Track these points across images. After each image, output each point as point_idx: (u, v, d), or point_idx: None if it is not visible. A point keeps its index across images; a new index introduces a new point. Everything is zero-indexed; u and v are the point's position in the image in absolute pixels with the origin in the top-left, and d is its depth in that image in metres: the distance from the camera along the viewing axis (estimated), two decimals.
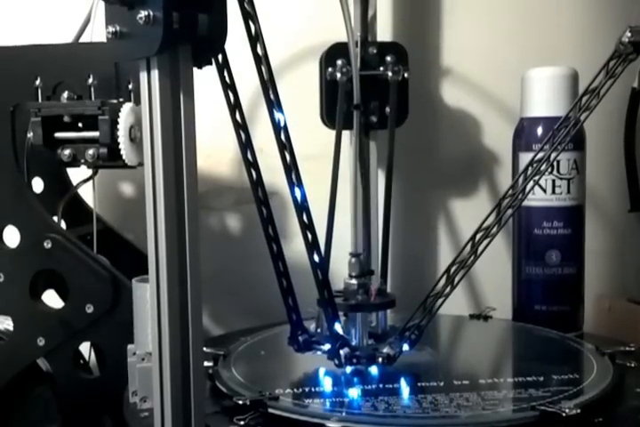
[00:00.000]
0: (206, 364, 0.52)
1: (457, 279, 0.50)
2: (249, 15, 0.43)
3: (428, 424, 0.45)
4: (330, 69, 0.71)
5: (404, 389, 0.50)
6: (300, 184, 0.48)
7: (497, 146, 0.80)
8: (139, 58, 0.38)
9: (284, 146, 0.47)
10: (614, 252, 0.82)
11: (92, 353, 0.64)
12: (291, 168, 0.47)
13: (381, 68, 0.72)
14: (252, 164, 0.46)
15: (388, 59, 0.72)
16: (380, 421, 0.45)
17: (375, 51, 0.72)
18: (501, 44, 0.79)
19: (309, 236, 0.49)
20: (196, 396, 0.40)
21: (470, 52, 0.80)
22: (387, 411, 0.46)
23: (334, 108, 0.69)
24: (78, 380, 0.60)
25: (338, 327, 0.50)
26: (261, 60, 0.45)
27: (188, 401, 0.40)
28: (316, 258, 0.49)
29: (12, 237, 0.61)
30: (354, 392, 0.49)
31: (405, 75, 0.72)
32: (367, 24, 0.73)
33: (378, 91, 0.72)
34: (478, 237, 0.49)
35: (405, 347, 0.51)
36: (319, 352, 0.51)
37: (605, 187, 0.79)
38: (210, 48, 0.41)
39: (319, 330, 0.54)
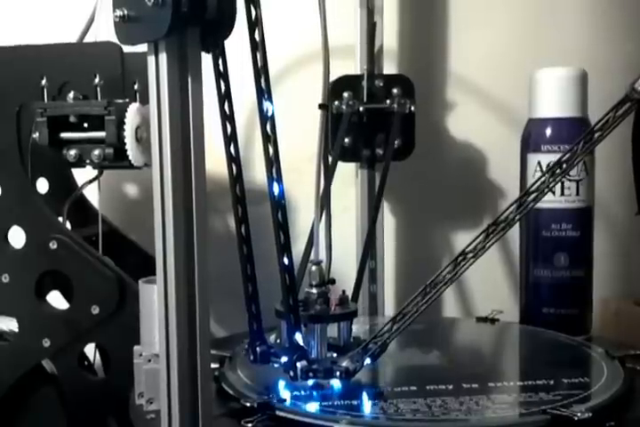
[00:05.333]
0: (212, 366, 0.52)
1: (432, 299, 0.48)
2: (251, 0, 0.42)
3: None
4: (336, 103, 0.71)
5: (413, 392, 0.49)
6: (279, 179, 0.45)
7: (503, 174, 0.80)
8: (146, 41, 0.38)
9: (269, 138, 0.45)
10: (621, 255, 0.82)
11: (97, 354, 0.64)
12: (272, 162, 0.45)
13: (388, 101, 0.71)
14: (233, 158, 0.45)
15: (395, 91, 0.72)
16: (388, 424, 0.45)
17: (382, 84, 0.72)
18: (509, 71, 0.79)
19: (282, 236, 0.46)
20: (203, 398, 0.40)
21: (478, 78, 0.80)
22: (396, 414, 0.45)
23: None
24: (83, 381, 0.60)
25: (298, 337, 0.48)
26: (258, 47, 0.43)
27: (196, 403, 0.40)
28: (286, 261, 0.46)
29: (18, 237, 0.61)
30: (362, 395, 0.49)
31: (412, 108, 0.71)
32: (373, 56, 0.73)
33: (384, 124, 0.71)
34: (460, 259, 0.48)
35: (367, 361, 0.49)
36: (276, 365, 0.49)
37: (613, 189, 0.79)
38: (218, 32, 0.40)
39: (278, 341, 0.51)
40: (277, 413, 0.46)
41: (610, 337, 0.67)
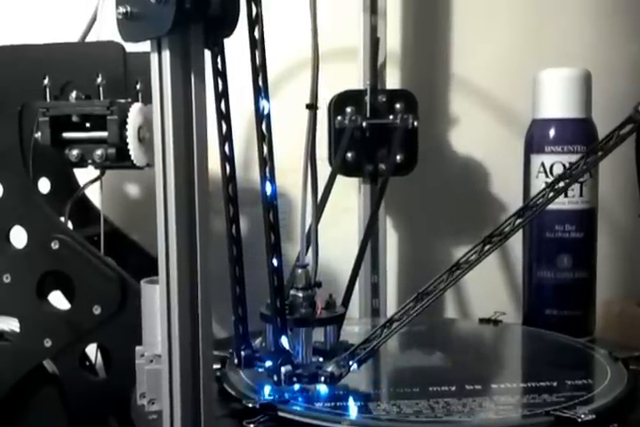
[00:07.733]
0: (214, 366, 0.51)
1: (424, 306, 0.48)
2: None
3: None
4: (339, 118, 0.71)
5: (416, 393, 0.49)
6: (272, 179, 0.45)
7: (507, 185, 0.79)
8: (149, 38, 0.38)
9: (264, 137, 0.44)
10: (624, 256, 0.82)
11: (99, 355, 0.63)
12: (266, 161, 0.45)
13: (391, 117, 0.71)
14: (227, 157, 0.44)
15: (398, 107, 0.72)
16: (391, 425, 0.45)
17: (384, 99, 0.72)
18: (513, 78, 0.79)
19: (272, 237, 0.46)
20: (205, 398, 0.40)
21: (481, 84, 0.80)
22: (398, 415, 0.45)
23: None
24: (84, 382, 0.60)
25: (284, 341, 0.47)
26: (257, 45, 0.43)
27: (198, 404, 0.40)
28: (275, 262, 0.46)
29: (19, 237, 0.61)
30: (365, 396, 0.48)
31: (415, 123, 0.71)
32: (376, 71, 0.73)
33: (387, 139, 0.71)
34: (454, 269, 0.48)
35: (354, 366, 0.48)
36: (261, 369, 0.48)
37: (616, 191, 0.79)
38: (221, 29, 0.40)
39: (264, 344, 0.50)
40: (280, 414, 0.46)
41: (613, 339, 0.67)
